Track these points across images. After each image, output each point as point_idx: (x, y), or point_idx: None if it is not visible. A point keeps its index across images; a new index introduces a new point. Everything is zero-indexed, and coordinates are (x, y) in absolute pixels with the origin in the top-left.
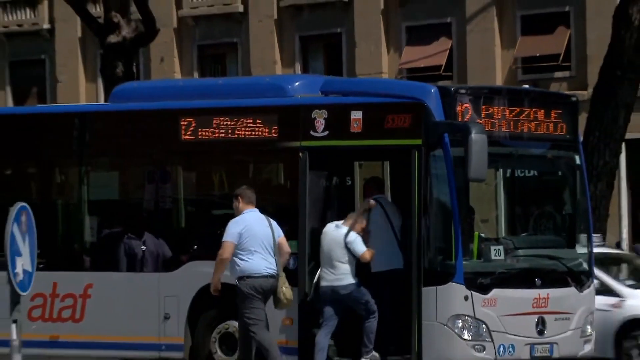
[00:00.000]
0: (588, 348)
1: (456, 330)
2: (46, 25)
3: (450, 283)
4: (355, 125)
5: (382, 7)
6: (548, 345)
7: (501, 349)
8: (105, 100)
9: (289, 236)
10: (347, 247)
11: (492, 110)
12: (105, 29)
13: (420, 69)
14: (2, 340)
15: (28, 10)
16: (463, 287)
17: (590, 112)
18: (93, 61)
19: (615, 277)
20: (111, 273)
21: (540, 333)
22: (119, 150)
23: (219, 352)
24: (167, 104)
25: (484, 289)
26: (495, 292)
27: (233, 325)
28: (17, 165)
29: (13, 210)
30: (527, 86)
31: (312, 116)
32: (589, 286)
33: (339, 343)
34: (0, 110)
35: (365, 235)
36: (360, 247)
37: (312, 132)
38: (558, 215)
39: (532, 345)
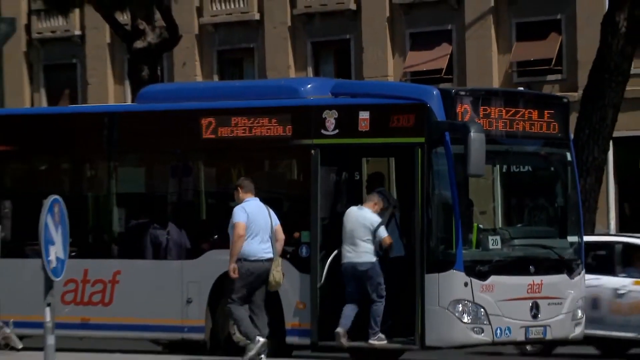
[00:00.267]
0: (578, 330)
1: (456, 314)
2: (77, 32)
3: (451, 270)
4: (363, 125)
5: (387, 15)
6: (542, 328)
7: (498, 331)
8: (132, 101)
9: (301, 226)
10: (372, 228)
11: (489, 110)
12: (132, 36)
13: (423, 72)
14: (37, 322)
15: (60, 18)
16: (463, 274)
17: (580, 112)
18: (121, 65)
19: None
20: (138, 260)
21: (535, 317)
22: (145, 147)
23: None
24: (189, 105)
25: (483, 276)
26: (492, 278)
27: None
28: (52, 160)
29: (47, 202)
30: (521, 88)
31: (323, 116)
32: (579, 273)
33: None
34: (36, 110)
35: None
36: (384, 232)
37: (323, 131)
38: (551, 208)
39: (527, 328)
